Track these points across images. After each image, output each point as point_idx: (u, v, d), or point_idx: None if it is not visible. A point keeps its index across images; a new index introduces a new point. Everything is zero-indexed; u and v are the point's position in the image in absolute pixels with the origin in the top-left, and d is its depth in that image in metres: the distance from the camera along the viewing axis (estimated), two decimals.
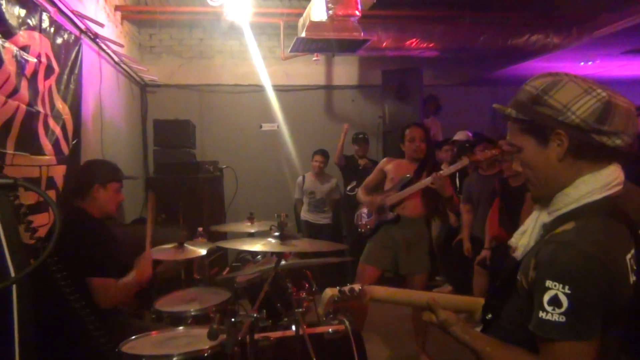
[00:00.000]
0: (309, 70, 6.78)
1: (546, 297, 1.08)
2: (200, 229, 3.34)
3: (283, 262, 2.30)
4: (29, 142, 2.73)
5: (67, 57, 3.36)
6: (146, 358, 2.00)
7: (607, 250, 1.08)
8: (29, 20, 2.75)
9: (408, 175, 3.57)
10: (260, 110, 6.68)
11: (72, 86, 3.43)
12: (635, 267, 1.13)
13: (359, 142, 6.04)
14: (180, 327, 2.36)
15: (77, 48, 3.57)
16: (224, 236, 4.32)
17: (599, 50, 6.09)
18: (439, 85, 7.02)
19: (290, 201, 6.28)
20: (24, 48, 2.67)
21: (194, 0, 5.85)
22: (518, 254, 1.28)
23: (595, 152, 1.16)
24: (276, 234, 2.13)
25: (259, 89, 6.62)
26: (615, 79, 7.67)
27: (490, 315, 1.32)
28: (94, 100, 4.19)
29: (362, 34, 4.59)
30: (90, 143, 3.96)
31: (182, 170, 4.93)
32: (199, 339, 2.11)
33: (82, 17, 3.68)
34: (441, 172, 3.48)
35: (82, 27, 3.75)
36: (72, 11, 3.49)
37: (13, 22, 2.56)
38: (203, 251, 2.85)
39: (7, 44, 2.47)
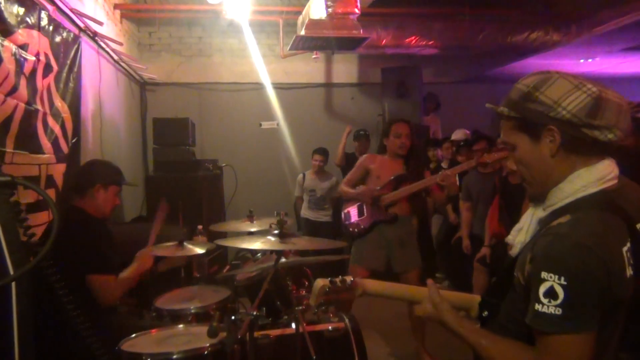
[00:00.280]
0: (309, 68, 6.77)
1: (542, 289, 1.08)
2: (199, 227, 3.33)
3: (283, 260, 2.30)
4: (28, 141, 2.73)
5: (66, 55, 3.36)
6: (146, 356, 2.00)
7: (602, 241, 1.08)
8: (27, 19, 2.74)
9: (402, 174, 3.53)
10: (259, 108, 6.68)
11: (71, 84, 3.43)
12: (632, 261, 1.13)
13: (360, 139, 6.04)
14: (180, 325, 2.36)
15: (76, 46, 3.56)
16: (223, 234, 4.31)
17: (599, 48, 6.09)
18: (438, 83, 7.02)
19: (290, 199, 6.29)
20: (23, 46, 2.66)
21: None
22: (515, 251, 1.29)
23: (588, 147, 1.17)
24: (276, 231, 2.13)
25: (258, 87, 6.62)
26: (615, 76, 7.66)
27: (486, 313, 1.32)
28: (93, 99, 4.19)
29: (361, 31, 4.59)
30: (89, 141, 3.96)
31: (182, 169, 4.93)
32: (199, 336, 2.11)
33: (81, 15, 3.67)
34: (447, 170, 3.47)
35: (81, 25, 3.74)
36: (71, 9, 3.48)
37: (12, 20, 2.56)
38: (202, 249, 2.85)
39: (5, 42, 2.47)
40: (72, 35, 3.49)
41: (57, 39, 3.20)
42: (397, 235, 3.54)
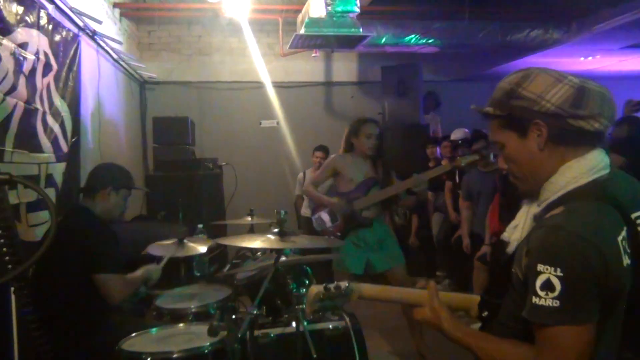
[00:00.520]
0: (308, 67, 6.77)
1: (538, 282, 1.07)
2: (200, 226, 3.33)
3: (283, 259, 2.30)
4: (27, 140, 2.73)
5: (65, 54, 3.35)
6: (147, 355, 2.00)
7: (597, 231, 1.08)
8: (27, 18, 2.74)
9: (373, 177, 3.47)
10: (259, 107, 6.67)
11: (70, 83, 3.43)
12: (628, 250, 1.12)
13: None
14: (181, 324, 2.36)
15: (75, 45, 3.56)
16: (223, 233, 4.32)
17: (599, 46, 6.08)
18: (438, 81, 7.01)
19: (290, 198, 6.28)
20: (22, 45, 2.66)
21: None
22: (511, 249, 1.28)
23: (576, 138, 1.17)
24: (276, 230, 2.13)
25: (258, 85, 6.61)
26: (615, 74, 7.65)
27: (486, 313, 1.31)
28: (93, 98, 4.18)
29: (361, 30, 4.58)
30: (89, 140, 3.96)
31: (182, 168, 4.92)
32: (200, 335, 2.11)
33: (80, 14, 3.66)
34: (420, 175, 3.38)
35: (81, 24, 3.73)
36: (70, 8, 3.47)
37: (11, 19, 2.55)
38: (203, 248, 2.85)
39: (5, 41, 2.47)
40: (71, 34, 3.48)
41: (57, 37, 3.20)
42: (375, 238, 3.50)
